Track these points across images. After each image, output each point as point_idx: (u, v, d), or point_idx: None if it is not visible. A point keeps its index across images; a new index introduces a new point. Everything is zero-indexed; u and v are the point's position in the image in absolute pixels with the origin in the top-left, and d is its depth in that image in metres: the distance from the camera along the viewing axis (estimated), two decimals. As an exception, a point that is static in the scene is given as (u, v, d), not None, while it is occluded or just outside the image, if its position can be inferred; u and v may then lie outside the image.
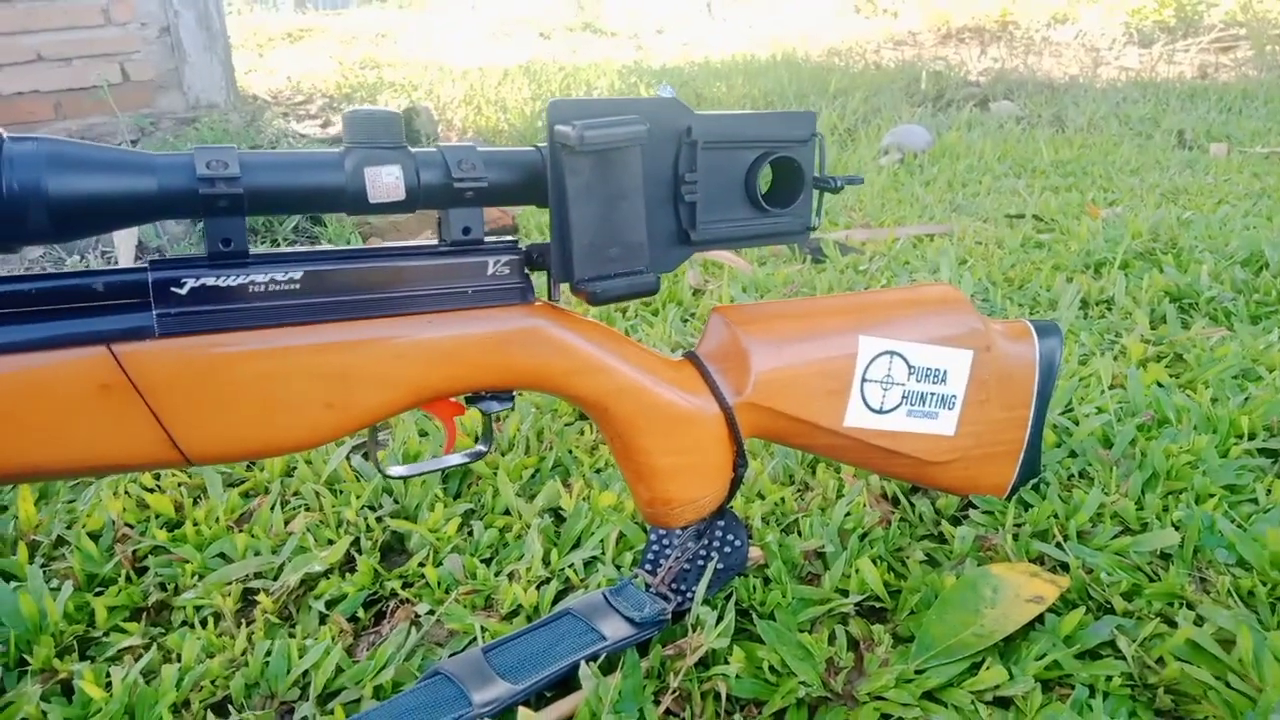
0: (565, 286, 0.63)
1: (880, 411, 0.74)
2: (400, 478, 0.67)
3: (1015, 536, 0.81)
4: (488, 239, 0.60)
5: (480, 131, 3.14)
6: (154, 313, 0.51)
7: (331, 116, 3.45)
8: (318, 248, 0.55)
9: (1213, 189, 2.20)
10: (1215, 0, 5.65)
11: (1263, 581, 0.73)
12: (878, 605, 0.77)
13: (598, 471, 0.99)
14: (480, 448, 0.67)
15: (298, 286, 0.54)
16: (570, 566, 0.82)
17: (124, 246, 1.62)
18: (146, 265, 0.51)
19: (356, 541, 0.87)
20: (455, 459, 0.66)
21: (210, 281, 0.51)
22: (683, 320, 1.42)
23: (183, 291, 0.51)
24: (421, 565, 0.83)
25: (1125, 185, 2.26)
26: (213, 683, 0.70)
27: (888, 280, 1.55)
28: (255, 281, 0.52)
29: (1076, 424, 1.00)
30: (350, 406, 0.56)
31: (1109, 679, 0.66)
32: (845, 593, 0.77)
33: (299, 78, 4.17)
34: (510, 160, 0.58)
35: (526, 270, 0.62)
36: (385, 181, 0.54)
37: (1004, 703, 0.66)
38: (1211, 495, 0.85)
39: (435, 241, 0.60)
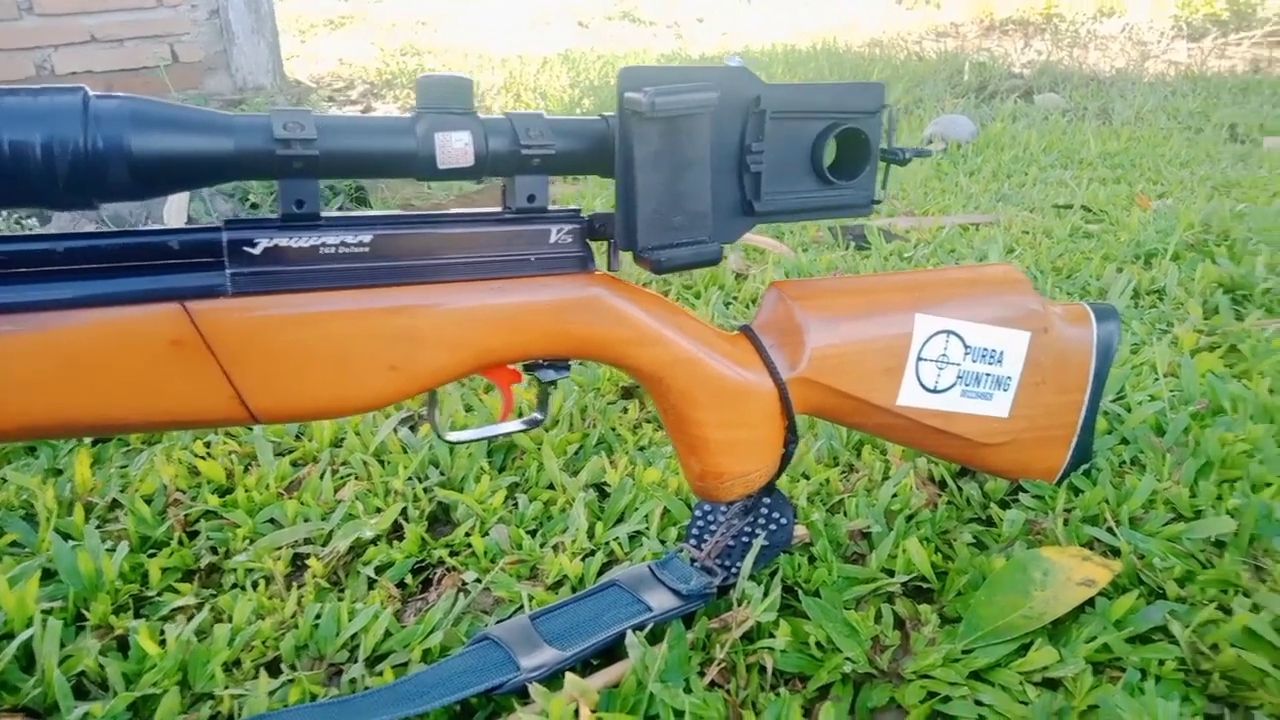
0: (626, 257, 0.63)
1: (934, 391, 0.73)
2: (458, 443, 0.67)
3: (1065, 521, 0.80)
4: (551, 207, 0.60)
5: (519, 117, 3.14)
6: (227, 272, 0.51)
7: (373, 102, 3.48)
8: (387, 212, 0.56)
9: (1267, 182, 2.15)
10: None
11: (1322, 572, 0.72)
12: (924, 586, 0.77)
13: (641, 449, 0.99)
14: (536, 415, 0.67)
15: (367, 250, 0.54)
16: (615, 540, 0.83)
17: (174, 220, 1.65)
18: (221, 225, 0.52)
19: (404, 510, 0.88)
20: (512, 425, 0.66)
21: (283, 242, 0.52)
22: (725, 304, 1.42)
23: (256, 251, 0.52)
24: (468, 535, 0.83)
25: (1175, 178, 2.21)
26: (263, 643, 0.71)
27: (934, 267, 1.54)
28: (326, 243, 0.53)
29: (1129, 411, 0.99)
30: (414, 369, 0.56)
31: (1161, 663, 0.65)
32: (891, 573, 0.77)
33: (342, 63, 4.20)
34: (577, 129, 0.59)
35: (587, 239, 0.62)
36: (455, 147, 0.54)
37: (1053, 684, 0.65)
38: (1269, 484, 0.84)
39: (499, 209, 0.60)
